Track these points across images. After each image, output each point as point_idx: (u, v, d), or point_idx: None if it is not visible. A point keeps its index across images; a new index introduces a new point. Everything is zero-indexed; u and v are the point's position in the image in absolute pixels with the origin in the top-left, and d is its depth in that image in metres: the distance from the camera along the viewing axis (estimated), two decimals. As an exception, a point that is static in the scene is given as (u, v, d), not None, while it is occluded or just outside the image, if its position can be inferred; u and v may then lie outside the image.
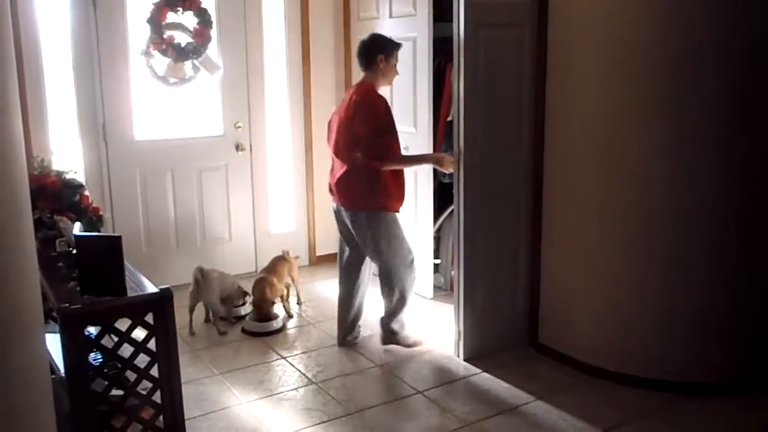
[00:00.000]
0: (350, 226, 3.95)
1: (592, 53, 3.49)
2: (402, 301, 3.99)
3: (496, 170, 3.82)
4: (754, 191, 3.38)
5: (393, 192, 3.85)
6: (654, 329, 3.50)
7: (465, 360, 3.88)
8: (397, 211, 3.92)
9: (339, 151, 3.88)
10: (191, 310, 4.28)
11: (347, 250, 4.08)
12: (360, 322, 4.17)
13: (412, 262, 3.97)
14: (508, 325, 4.02)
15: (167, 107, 5.02)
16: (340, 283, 4.15)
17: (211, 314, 4.39)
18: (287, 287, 4.64)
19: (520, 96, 3.79)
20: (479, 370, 3.76)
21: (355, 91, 3.86)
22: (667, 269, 3.44)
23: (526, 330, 4.01)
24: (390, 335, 4.07)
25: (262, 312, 4.34)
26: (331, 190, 4.04)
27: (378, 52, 3.83)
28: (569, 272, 3.75)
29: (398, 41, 3.92)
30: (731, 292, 3.44)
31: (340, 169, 3.89)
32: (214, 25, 4.95)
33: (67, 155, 4.62)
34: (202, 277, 4.23)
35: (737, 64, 3.24)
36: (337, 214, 4.05)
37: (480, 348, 3.93)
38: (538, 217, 3.86)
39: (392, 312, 4.03)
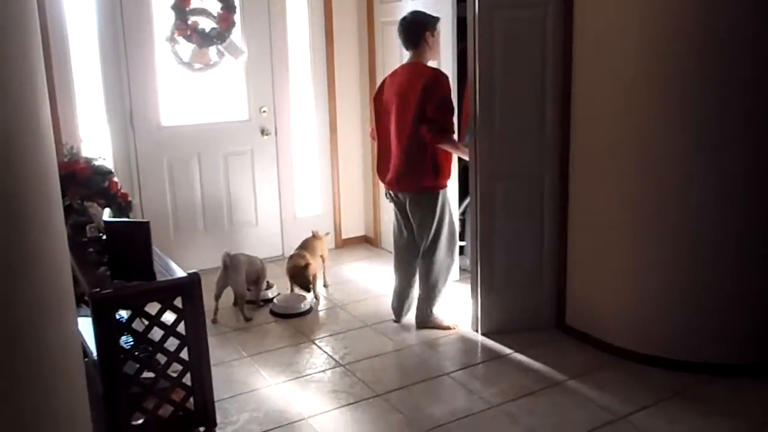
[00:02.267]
0: (411, 210, 3.95)
1: (624, 26, 3.42)
2: (443, 285, 4.05)
3: (516, 153, 3.83)
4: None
5: (447, 169, 3.96)
6: (683, 311, 3.47)
7: (486, 337, 3.91)
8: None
9: (402, 133, 3.83)
10: (217, 297, 4.30)
11: (405, 237, 4.08)
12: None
13: (456, 244, 4.08)
14: (534, 307, 4.03)
15: (193, 93, 5.05)
16: (397, 270, 4.14)
17: (238, 299, 4.43)
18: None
19: (543, 78, 3.75)
20: (508, 351, 3.76)
21: (418, 72, 3.80)
22: (696, 251, 3.40)
23: (553, 312, 4.00)
24: (427, 318, 4.09)
25: (298, 280, 4.42)
26: (386, 176, 3.98)
27: (425, 29, 3.83)
28: (597, 255, 3.72)
29: (436, 15, 3.96)
30: (759, 274, 3.39)
31: (402, 153, 3.85)
32: (238, 10, 4.98)
33: (95, 142, 4.69)
34: (231, 262, 4.27)
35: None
36: (396, 199, 4.02)
37: (505, 329, 3.96)
38: (565, 199, 3.83)
39: (432, 296, 4.06)
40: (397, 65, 4.27)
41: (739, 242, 3.36)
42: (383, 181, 4.05)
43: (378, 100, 4.00)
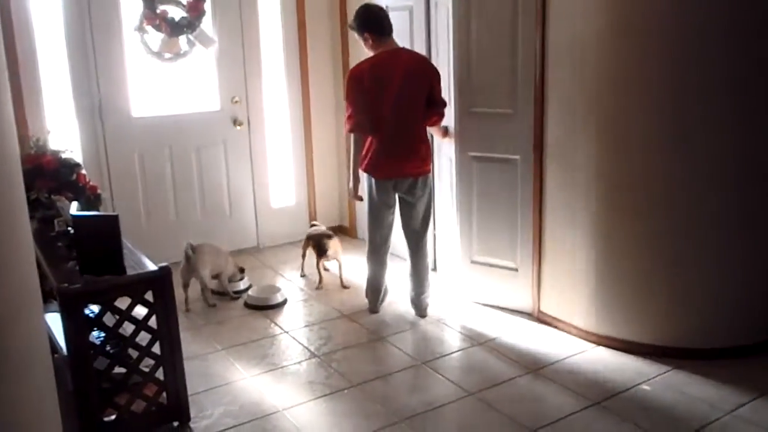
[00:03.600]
0: (416, 195, 3.93)
1: (595, 7, 3.40)
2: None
3: (492, 136, 3.95)
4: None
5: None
6: (659, 294, 3.49)
7: (464, 325, 3.93)
8: None
9: (412, 114, 3.82)
10: (185, 287, 4.27)
11: (386, 228, 4.02)
12: None
13: None
14: (511, 294, 4.07)
15: (163, 83, 4.98)
16: (374, 262, 4.07)
17: (200, 287, 4.38)
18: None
19: (514, 57, 3.79)
20: (485, 338, 3.77)
21: (420, 57, 3.98)
22: (672, 230, 3.42)
23: (529, 298, 4.01)
24: (426, 308, 4.11)
25: (322, 246, 4.60)
26: (387, 165, 3.85)
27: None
28: (571, 240, 3.73)
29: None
30: (741, 253, 3.42)
31: (411, 135, 3.83)
32: (208, -2, 4.91)
33: (63, 134, 4.59)
34: (193, 252, 4.24)
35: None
36: (394, 186, 3.91)
37: (482, 316, 3.97)
38: (539, 182, 3.82)
39: (428, 284, 4.11)
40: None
41: (714, 219, 3.38)
42: (382, 171, 3.86)
43: (364, 90, 3.78)
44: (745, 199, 3.39)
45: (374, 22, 3.82)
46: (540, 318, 3.97)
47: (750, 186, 3.38)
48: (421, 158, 3.89)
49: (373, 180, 3.90)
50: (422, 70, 3.84)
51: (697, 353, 3.45)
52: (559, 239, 3.79)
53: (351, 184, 4.06)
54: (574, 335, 3.75)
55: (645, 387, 3.22)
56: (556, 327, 3.86)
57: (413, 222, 4.00)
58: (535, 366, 3.47)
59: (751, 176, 3.37)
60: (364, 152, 3.88)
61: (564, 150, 3.67)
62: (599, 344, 3.64)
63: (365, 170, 3.91)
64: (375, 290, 4.14)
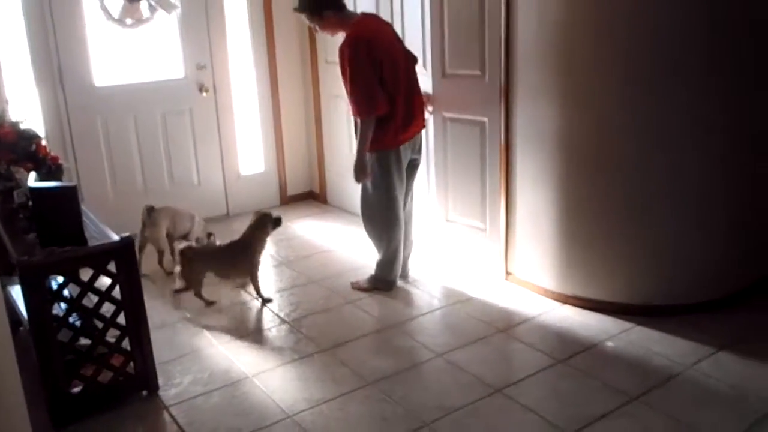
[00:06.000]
0: (420, 152, 3.95)
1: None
2: None
3: (462, 96, 3.99)
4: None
5: None
6: (623, 254, 3.53)
7: (433, 287, 3.95)
8: None
9: (412, 74, 3.80)
10: (139, 249, 4.17)
11: (403, 193, 3.90)
12: None
13: None
14: (483, 254, 4.11)
15: (126, 50, 4.88)
16: (399, 227, 3.87)
17: (157, 253, 4.34)
18: None
19: (482, 17, 3.77)
20: (453, 300, 3.81)
21: (381, 19, 3.92)
22: (633, 193, 3.45)
23: (498, 260, 4.04)
24: (409, 268, 4.17)
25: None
26: (412, 127, 3.78)
27: None
28: (539, 202, 3.75)
29: None
30: (696, 212, 3.46)
31: (415, 97, 3.80)
32: (168, -38, 4.79)
33: (23, 105, 4.50)
34: (149, 215, 4.22)
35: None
36: (411, 148, 3.84)
37: (452, 277, 3.99)
38: (508, 143, 3.83)
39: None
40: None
41: (672, 177, 3.40)
42: (404, 137, 3.73)
43: (377, 64, 3.54)
44: (704, 155, 3.40)
45: None
46: (508, 278, 4.00)
47: (708, 142, 3.40)
48: (422, 112, 3.90)
49: (395, 151, 3.72)
50: (390, 25, 3.87)
51: (659, 310, 3.51)
52: (527, 201, 3.80)
53: (359, 166, 3.68)
54: (542, 295, 3.79)
55: (609, 344, 3.27)
56: (524, 287, 3.90)
57: (411, 181, 3.98)
58: (503, 326, 3.50)
59: (709, 132, 3.39)
60: (382, 130, 3.63)
61: (530, 112, 3.66)
62: (565, 303, 3.68)
63: (388, 147, 3.69)
64: (399, 259, 3.99)
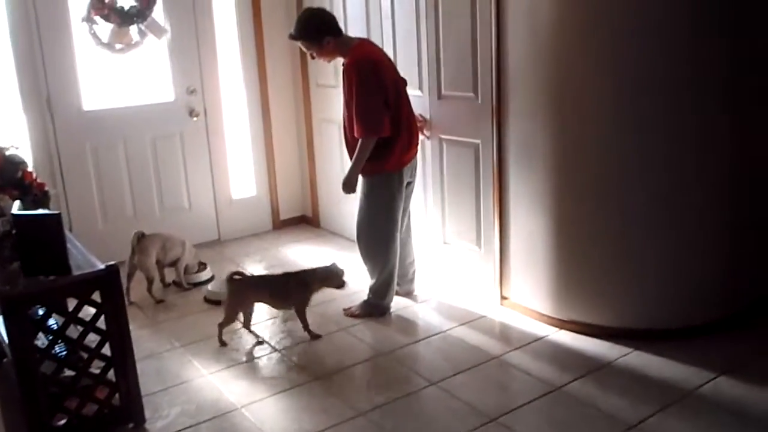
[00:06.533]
0: (415, 175, 3.97)
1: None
2: None
3: (457, 118, 3.99)
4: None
5: None
6: (614, 278, 3.48)
7: (427, 312, 3.88)
8: None
9: (408, 100, 3.81)
10: (128, 277, 4.15)
11: (401, 215, 3.91)
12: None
13: None
14: (479, 278, 4.07)
15: (115, 75, 4.83)
16: (395, 252, 3.85)
17: (146, 280, 4.26)
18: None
19: (474, 39, 3.77)
20: (447, 326, 3.74)
21: (374, 43, 3.89)
22: (622, 213, 3.40)
23: (493, 284, 3.98)
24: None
25: None
26: (412, 152, 3.84)
27: None
28: (534, 225, 3.70)
29: None
30: (683, 239, 3.42)
31: (414, 122, 3.84)
32: (159, -14, 4.78)
33: (11, 131, 4.44)
34: (138, 242, 4.17)
35: None
36: (411, 169, 3.89)
37: (445, 302, 3.96)
38: (500, 165, 3.79)
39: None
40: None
41: (671, 204, 3.36)
42: (410, 156, 3.80)
43: (383, 87, 3.56)
44: (701, 178, 3.36)
45: (331, 22, 3.61)
46: (504, 302, 3.93)
47: (705, 164, 3.36)
48: (418, 134, 3.90)
49: (398, 174, 3.74)
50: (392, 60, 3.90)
51: (657, 334, 3.44)
52: (522, 224, 3.75)
53: (351, 181, 3.70)
54: (537, 319, 3.73)
55: (606, 370, 3.21)
56: (519, 311, 3.83)
57: (408, 202, 3.98)
58: (498, 352, 3.44)
59: (707, 154, 3.35)
60: (387, 153, 3.64)
61: (522, 134, 3.63)
62: (562, 328, 3.62)
63: (392, 170, 3.70)
64: (393, 285, 3.95)
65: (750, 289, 3.68)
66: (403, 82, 3.81)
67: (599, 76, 3.30)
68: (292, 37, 3.67)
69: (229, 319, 3.63)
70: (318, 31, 3.58)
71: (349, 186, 3.70)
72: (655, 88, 3.23)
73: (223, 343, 3.64)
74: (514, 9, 3.49)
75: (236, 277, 3.67)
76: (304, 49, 3.75)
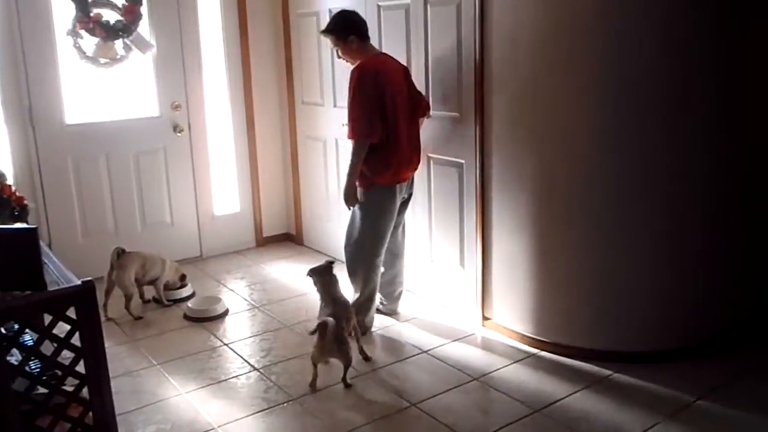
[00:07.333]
0: (412, 191, 3.98)
1: (532, 17, 3.39)
2: None
3: (444, 137, 4.00)
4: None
5: None
6: (597, 300, 3.47)
7: (410, 332, 3.84)
8: None
9: (414, 115, 3.84)
10: (106, 293, 4.12)
11: (391, 231, 3.89)
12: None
13: None
14: (461, 298, 4.05)
15: (99, 89, 4.81)
16: (378, 269, 3.88)
17: (124, 297, 4.22)
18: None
19: (459, 60, 3.79)
20: (429, 346, 3.71)
21: (394, 59, 3.84)
22: (608, 238, 3.40)
23: (475, 304, 3.96)
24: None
25: None
26: (409, 169, 3.84)
27: None
28: (516, 246, 3.70)
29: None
30: (670, 262, 3.42)
31: (417, 135, 3.87)
32: (145, 1, 4.76)
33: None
34: (116, 258, 4.14)
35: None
36: (406, 187, 3.89)
37: (427, 322, 3.92)
38: (483, 187, 3.79)
39: None
40: (314, 57, 4.21)
41: (652, 228, 3.37)
42: (403, 175, 3.79)
43: (380, 95, 3.58)
44: (683, 201, 3.38)
45: (361, 24, 3.73)
46: (486, 323, 3.92)
47: (687, 188, 3.37)
48: (419, 157, 3.91)
49: (390, 188, 3.75)
50: (408, 73, 3.87)
51: (637, 356, 3.44)
52: (504, 245, 3.75)
53: (350, 191, 3.71)
54: (518, 341, 3.72)
55: (586, 392, 3.19)
56: (501, 333, 3.82)
57: (402, 218, 3.99)
58: (479, 374, 3.42)
59: (689, 177, 3.37)
60: (382, 164, 3.66)
61: (506, 157, 3.64)
62: (543, 350, 3.61)
63: (386, 184, 3.71)
64: (374, 303, 3.95)
65: (730, 313, 3.68)
66: (420, 106, 3.86)
67: (582, 97, 3.32)
68: (322, 31, 3.82)
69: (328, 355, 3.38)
70: (344, 28, 3.68)
71: (348, 196, 3.72)
72: (640, 110, 3.25)
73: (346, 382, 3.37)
74: (498, 31, 3.52)
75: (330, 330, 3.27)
76: (331, 45, 3.83)
